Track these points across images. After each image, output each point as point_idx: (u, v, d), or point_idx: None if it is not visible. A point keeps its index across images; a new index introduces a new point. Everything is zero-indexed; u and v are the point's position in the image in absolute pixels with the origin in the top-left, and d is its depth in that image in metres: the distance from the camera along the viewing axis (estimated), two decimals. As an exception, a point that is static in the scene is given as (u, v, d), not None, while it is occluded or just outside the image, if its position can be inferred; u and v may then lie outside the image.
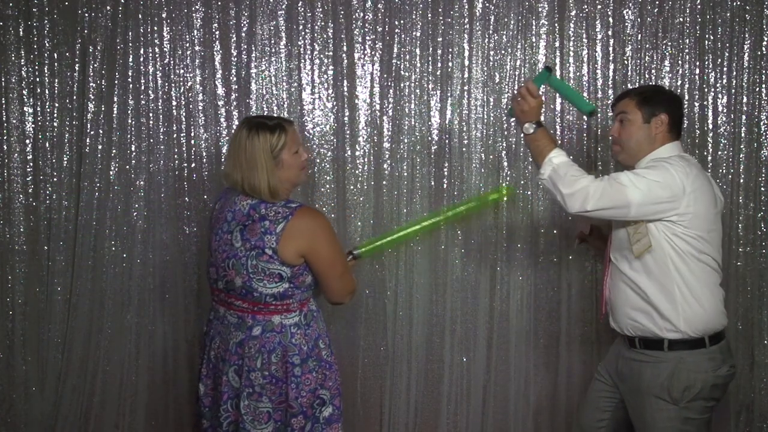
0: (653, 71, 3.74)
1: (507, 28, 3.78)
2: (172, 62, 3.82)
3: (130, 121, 3.82)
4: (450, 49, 3.80)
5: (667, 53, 3.74)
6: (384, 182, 3.82)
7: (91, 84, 3.80)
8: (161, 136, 3.83)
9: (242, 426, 2.73)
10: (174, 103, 3.83)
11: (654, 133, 2.89)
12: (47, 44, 3.79)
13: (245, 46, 3.81)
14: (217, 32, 3.81)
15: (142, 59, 3.80)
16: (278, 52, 3.82)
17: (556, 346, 3.85)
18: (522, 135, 2.95)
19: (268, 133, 2.68)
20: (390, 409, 3.88)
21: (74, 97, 3.82)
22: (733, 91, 3.71)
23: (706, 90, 3.73)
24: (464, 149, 3.81)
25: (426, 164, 3.83)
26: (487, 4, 3.78)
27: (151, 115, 3.82)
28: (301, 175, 2.82)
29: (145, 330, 3.87)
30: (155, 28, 3.80)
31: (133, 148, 3.83)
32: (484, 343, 3.87)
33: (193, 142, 3.83)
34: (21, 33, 3.77)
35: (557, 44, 3.77)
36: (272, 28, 3.81)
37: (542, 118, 3.66)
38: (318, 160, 3.82)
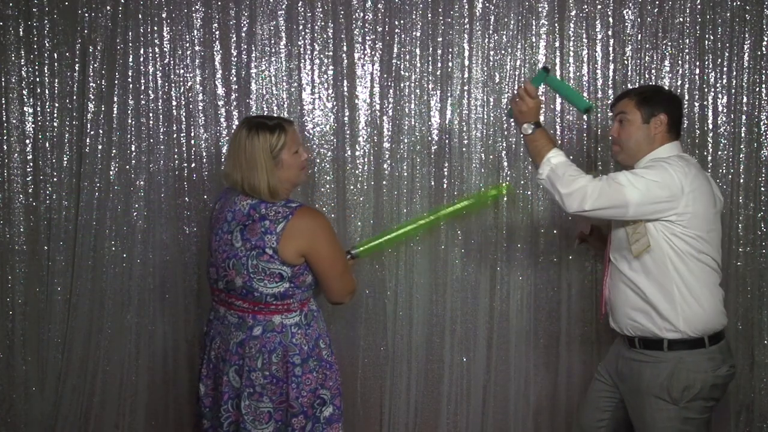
0: (653, 71, 3.74)
1: (507, 28, 3.78)
2: (172, 62, 3.82)
3: (130, 121, 3.82)
4: (450, 49, 3.80)
5: (667, 53, 3.74)
6: (384, 182, 3.83)
7: (91, 84, 3.80)
8: (161, 136, 3.83)
9: (243, 426, 2.73)
10: (174, 103, 3.83)
11: (653, 133, 2.89)
12: (47, 44, 3.79)
13: (245, 46, 3.81)
14: (217, 32, 3.81)
15: (142, 59, 3.80)
16: (278, 52, 3.82)
17: (556, 346, 3.85)
18: (521, 135, 2.96)
19: (267, 133, 2.68)
20: (390, 409, 3.88)
21: (74, 97, 3.82)
22: (733, 91, 3.71)
23: (706, 90, 3.73)
24: (464, 149, 3.82)
25: (426, 164, 3.83)
26: (487, 4, 3.78)
27: (151, 115, 3.82)
28: (301, 175, 2.82)
29: (145, 330, 3.87)
30: (155, 28, 3.80)
31: (133, 148, 3.83)
32: (484, 343, 3.87)
33: (193, 142, 3.83)
34: (21, 33, 3.77)
35: (557, 44, 3.77)
36: (272, 28, 3.81)
37: (542, 119, 3.72)
38: (318, 160, 3.82)
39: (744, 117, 3.71)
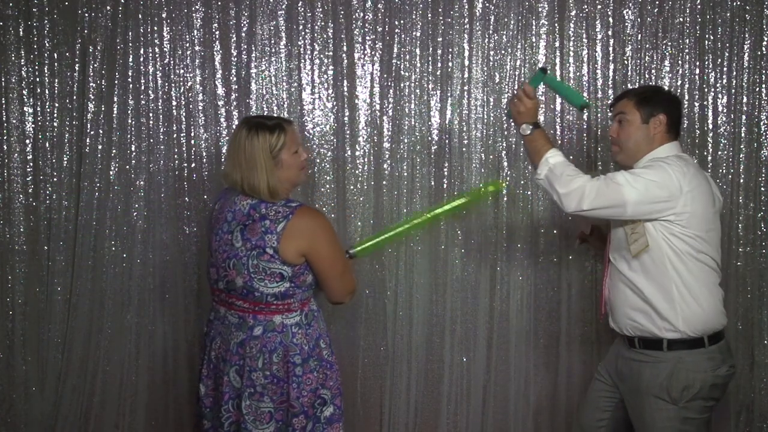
0: (653, 71, 3.74)
1: (507, 28, 3.78)
2: (172, 62, 3.82)
3: (130, 121, 3.82)
4: (450, 49, 3.80)
5: (667, 53, 3.74)
6: (384, 182, 3.83)
7: (91, 84, 3.80)
8: (161, 136, 3.83)
9: (244, 426, 2.73)
10: (174, 103, 3.83)
11: (652, 134, 2.89)
12: (47, 44, 3.79)
13: (245, 46, 3.81)
14: (217, 32, 3.81)
15: (142, 59, 3.80)
16: (278, 52, 3.82)
17: (556, 346, 3.85)
18: (520, 136, 2.96)
19: (267, 133, 2.68)
20: (390, 409, 3.88)
21: (74, 97, 3.82)
22: (733, 91, 3.71)
23: (706, 90, 3.73)
24: (464, 149, 3.82)
25: (426, 164, 3.83)
26: (487, 4, 3.78)
27: (151, 115, 3.82)
28: (300, 174, 2.82)
29: (145, 330, 3.87)
30: (155, 28, 3.80)
31: (133, 148, 3.83)
32: (484, 343, 3.87)
33: (193, 142, 3.83)
34: (21, 33, 3.77)
35: (557, 44, 3.77)
36: (272, 28, 3.81)
37: (542, 119, 3.72)
38: (318, 160, 3.82)
39: (744, 117, 3.71)
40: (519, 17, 3.77)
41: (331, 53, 3.81)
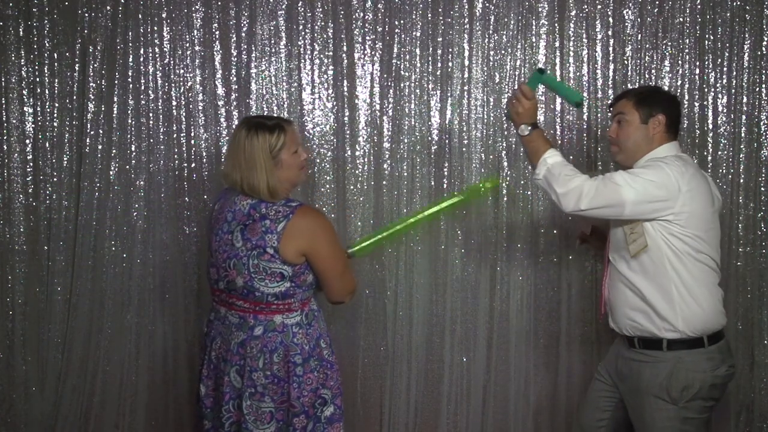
0: (653, 71, 3.75)
1: (507, 28, 3.78)
2: (172, 62, 3.82)
3: (130, 121, 3.82)
4: (450, 49, 3.80)
5: (667, 53, 3.74)
6: (384, 182, 3.83)
7: (91, 84, 3.80)
8: (161, 136, 3.83)
9: (245, 426, 2.73)
10: (174, 103, 3.83)
11: (651, 134, 2.89)
12: (47, 44, 3.79)
13: (245, 46, 3.81)
14: (217, 32, 3.81)
15: (142, 59, 3.80)
16: (278, 52, 3.82)
17: (556, 346, 3.85)
18: (519, 137, 2.97)
19: (267, 133, 2.68)
20: (390, 409, 3.88)
21: (74, 97, 3.82)
22: (733, 91, 3.71)
23: (706, 90, 3.73)
24: (464, 149, 3.82)
25: (426, 164, 3.83)
26: (487, 4, 3.78)
27: (151, 115, 3.82)
28: (300, 174, 2.82)
29: (145, 330, 3.87)
30: (155, 28, 3.80)
31: (133, 148, 3.83)
32: (484, 343, 3.87)
33: (193, 142, 3.83)
34: (21, 33, 3.78)
35: (557, 44, 3.77)
36: (272, 28, 3.81)
37: (542, 119, 3.73)
38: (318, 160, 3.82)
39: (744, 117, 3.71)
40: (519, 17, 3.77)
41: (331, 53, 3.81)
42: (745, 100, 3.71)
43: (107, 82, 3.80)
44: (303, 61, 3.82)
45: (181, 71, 3.82)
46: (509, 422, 3.87)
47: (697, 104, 3.73)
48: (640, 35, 3.74)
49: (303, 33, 3.81)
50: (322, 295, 2.88)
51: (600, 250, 3.30)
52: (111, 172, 3.82)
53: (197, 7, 3.79)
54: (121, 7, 3.77)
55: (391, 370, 3.87)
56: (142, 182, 3.83)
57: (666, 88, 3.67)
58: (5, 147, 3.80)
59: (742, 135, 3.72)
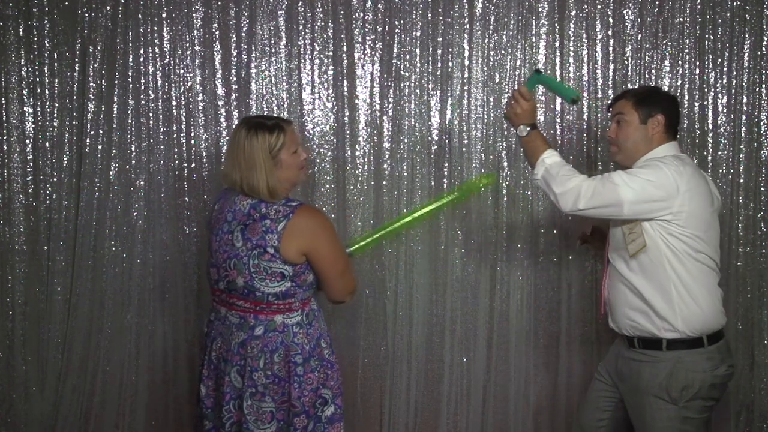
0: (653, 71, 3.75)
1: (507, 28, 3.79)
2: (172, 62, 3.82)
3: (130, 121, 3.82)
4: (450, 49, 3.80)
5: (667, 53, 3.74)
6: (384, 182, 3.83)
7: (91, 84, 3.80)
8: (161, 136, 3.83)
9: (245, 426, 2.73)
10: (174, 103, 3.83)
11: (651, 134, 2.90)
12: (47, 44, 3.79)
13: (245, 46, 3.81)
14: (217, 32, 3.81)
15: (142, 59, 3.80)
16: (278, 52, 3.82)
17: (556, 346, 3.85)
18: (517, 137, 2.98)
19: (266, 133, 2.68)
20: (390, 409, 3.88)
21: (74, 97, 3.82)
22: (733, 91, 3.72)
23: (706, 90, 3.73)
24: (464, 149, 3.82)
25: (426, 164, 3.83)
26: (487, 4, 3.78)
27: (151, 115, 3.82)
28: (300, 174, 2.82)
29: (145, 330, 3.87)
30: (155, 28, 3.80)
31: (133, 148, 3.83)
32: (484, 343, 3.87)
33: (193, 142, 3.83)
34: (21, 33, 3.78)
35: (557, 44, 3.77)
36: (272, 28, 3.81)
37: (542, 119, 3.73)
38: (318, 160, 3.82)
39: (744, 117, 3.72)
40: (519, 17, 3.78)
41: (331, 53, 3.81)
42: (745, 100, 3.71)
43: (107, 82, 3.80)
44: (303, 61, 3.82)
45: (181, 71, 3.82)
46: (509, 422, 3.87)
47: (697, 104, 3.73)
48: (640, 35, 3.74)
49: (303, 33, 3.81)
50: (322, 294, 2.88)
51: (600, 251, 3.30)
52: (111, 172, 3.82)
53: (197, 7, 3.79)
54: (121, 7, 3.77)
55: (391, 370, 3.87)
56: (142, 182, 3.83)
57: (666, 88, 3.67)
58: (5, 147, 3.80)
59: (742, 135, 3.72)
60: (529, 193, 3.80)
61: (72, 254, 3.85)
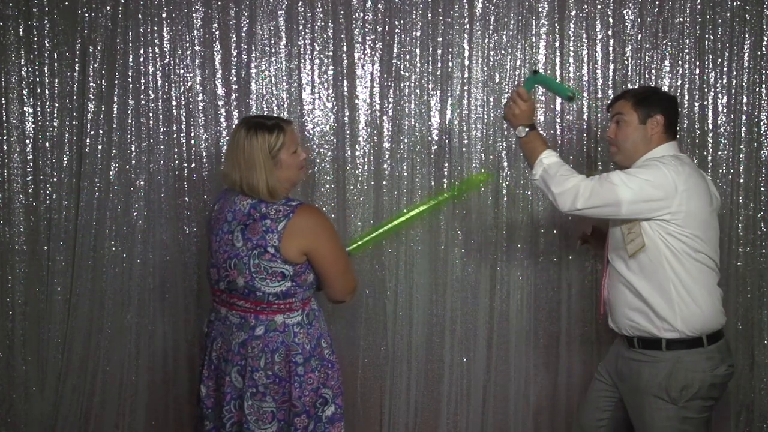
0: (653, 71, 3.75)
1: (507, 28, 3.79)
2: (172, 62, 3.82)
3: (130, 121, 3.82)
4: (450, 49, 3.80)
5: (667, 53, 3.74)
6: (384, 182, 3.83)
7: (91, 84, 3.80)
8: (161, 136, 3.83)
9: (246, 426, 2.72)
10: (174, 103, 3.83)
11: (650, 134, 2.90)
12: (47, 44, 3.79)
13: (245, 46, 3.81)
14: (217, 32, 3.81)
15: (142, 59, 3.80)
16: (278, 52, 3.82)
17: (556, 346, 3.85)
18: (516, 138, 2.99)
19: (266, 133, 2.68)
20: (390, 409, 3.88)
21: (74, 97, 3.82)
22: (733, 91, 3.72)
23: (706, 90, 3.73)
24: (464, 149, 3.82)
25: (426, 164, 3.83)
26: (487, 4, 3.78)
27: (151, 115, 3.82)
28: (300, 174, 2.82)
29: (145, 330, 3.87)
30: (155, 28, 3.80)
31: (133, 148, 3.83)
32: (484, 343, 3.87)
33: (193, 142, 3.83)
34: (21, 33, 3.78)
35: (557, 44, 3.78)
36: (272, 28, 3.81)
37: (542, 119, 3.73)
38: (318, 160, 3.82)
39: (744, 117, 3.72)
40: (519, 17, 3.78)
41: (331, 53, 3.81)
42: (745, 100, 3.71)
43: (107, 82, 3.80)
44: (303, 61, 3.82)
45: (181, 71, 3.82)
46: (509, 422, 3.87)
47: (697, 104, 3.73)
48: (640, 35, 3.74)
49: (303, 33, 3.81)
50: (322, 294, 2.88)
51: (600, 251, 3.30)
52: (111, 172, 3.82)
53: (197, 7, 3.79)
54: (121, 7, 3.77)
55: (391, 370, 3.87)
56: (142, 182, 3.83)
57: (666, 88, 3.68)
58: (5, 147, 3.80)
59: (742, 135, 3.72)
60: (529, 193, 3.80)
61: (72, 254, 3.85)
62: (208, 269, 2.85)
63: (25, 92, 3.81)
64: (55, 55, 3.80)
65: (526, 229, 3.82)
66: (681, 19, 3.72)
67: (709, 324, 2.81)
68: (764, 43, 3.69)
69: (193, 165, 3.83)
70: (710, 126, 3.73)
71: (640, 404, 2.84)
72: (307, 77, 3.83)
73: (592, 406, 3.10)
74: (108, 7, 3.77)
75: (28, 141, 3.83)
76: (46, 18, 3.77)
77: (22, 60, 3.79)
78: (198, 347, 3.70)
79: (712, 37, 3.71)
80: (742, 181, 3.72)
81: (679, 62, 3.74)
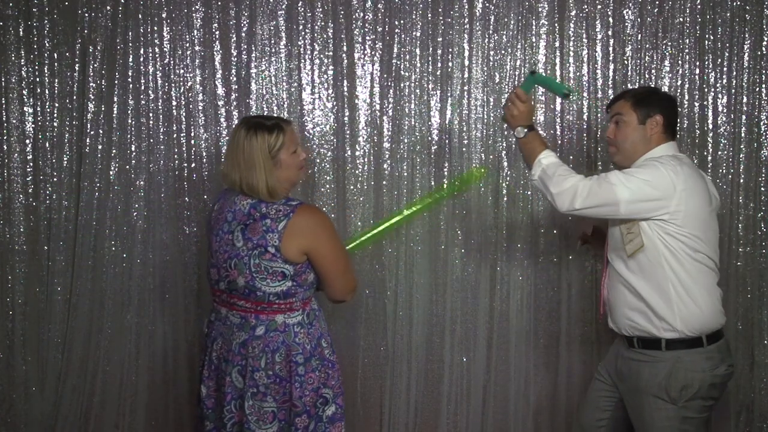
0: (653, 71, 3.75)
1: (507, 28, 3.79)
2: (172, 62, 3.82)
3: (130, 121, 3.82)
4: (450, 49, 3.80)
5: (667, 53, 3.74)
6: (384, 182, 3.83)
7: (91, 84, 3.80)
8: (161, 136, 3.83)
9: (247, 426, 2.72)
10: (174, 103, 3.83)
11: (649, 134, 2.90)
12: (47, 44, 3.79)
13: (245, 46, 3.81)
14: (217, 32, 3.81)
15: (142, 59, 3.80)
16: (278, 52, 3.82)
17: (556, 346, 3.85)
18: (515, 139, 2.99)
19: (266, 133, 2.68)
20: (390, 409, 3.88)
21: (74, 97, 3.82)
22: (733, 91, 3.72)
23: (706, 90, 3.73)
24: (464, 149, 3.82)
25: (426, 164, 3.83)
26: (487, 4, 3.78)
27: (151, 115, 3.82)
28: (299, 174, 2.82)
29: (145, 330, 3.87)
30: (155, 28, 3.80)
31: (133, 148, 3.83)
32: (484, 343, 3.87)
33: (193, 142, 3.83)
34: (21, 33, 3.78)
35: (557, 44, 3.78)
36: (272, 28, 3.81)
37: (542, 119, 3.73)
38: (318, 160, 3.82)
39: (744, 117, 3.72)
40: (519, 17, 3.78)
41: (331, 53, 3.81)
42: (745, 100, 3.71)
43: (107, 82, 3.80)
44: (303, 61, 3.82)
45: (181, 71, 3.82)
46: (509, 422, 3.87)
47: (697, 104, 3.73)
48: (640, 35, 3.74)
49: (303, 33, 3.81)
50: (322, 294, 2.88)
51: (601, 251, 3.30)
52: (111, 172, 3.82)
53: (197, 7, 3.79)
54: (121, 7, 3.77)
55: (391, 370, 3.87)
56: (142, 182, 3.83)
57: (666, 88, 3.68)
58: (5, 147, 3.80)
59: (742, 135, 3.72)
60: (529, 193, 3.80)
61: (72, 254, 3.85)
62: (208, 269, 2.84)
63: (25, 92, 3.81)
64: (55, 55, 3.80)
65: (526, 229, 3.82)
66: (681, 19, 3.72)
67: (709, 324, 2.81)
68: (764, 43, 3.69)
69: (193, 165, 3.83)
70: (710, 126, 3.73)
71: (639, 404, 2.84)
72: (307, 77, 3.83)
73: (592, 406, 3.10)
74: (108, 7, 3.77)
75: (28, 141, 3.83)
76: (46, 18, 3.77)
77: (22, 60, 3.79)
78: (198, 347, 3.70)
79: (712, 37, 3.71)
80: (742, 181, 3.72)
81: (679, 62, 3.74)
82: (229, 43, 3.81)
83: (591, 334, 3.81)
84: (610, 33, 3.75)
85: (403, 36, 3.80)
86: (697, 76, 3.73)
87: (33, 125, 3.83)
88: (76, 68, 3.81)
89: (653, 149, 2.89)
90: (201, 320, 3.74)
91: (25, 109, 3.82)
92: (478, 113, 3.81)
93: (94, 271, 3.85)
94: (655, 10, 3.72)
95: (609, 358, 3.07)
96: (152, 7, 3.78)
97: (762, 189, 3.72)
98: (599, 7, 3.74)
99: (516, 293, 3.84)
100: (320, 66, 3.83)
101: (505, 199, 3.81)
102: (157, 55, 3.81)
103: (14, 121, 3.81)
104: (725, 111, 3.73)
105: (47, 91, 3.81)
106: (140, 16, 3.78)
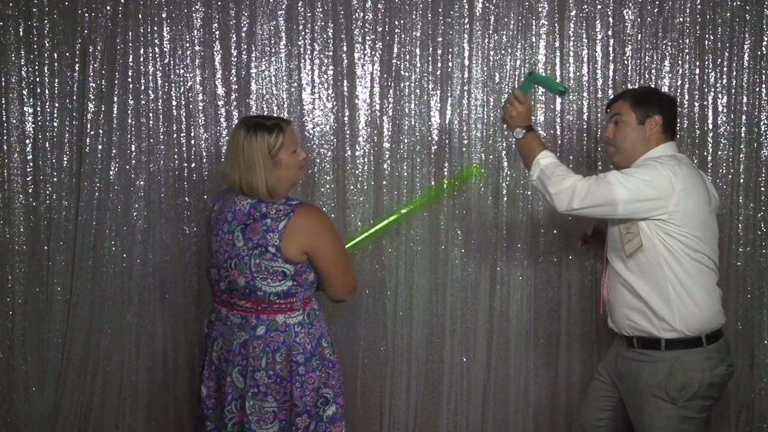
0: (653, 71, 3.75)
1: (507, 28, 3.79)
2: (172, 62, 3.82)
3: (130, 121, 3.82)
4: (450, 49, 3.80)
5: (667, 53, 3.74)
6: (384, 182, 3.83)
7: (91, 84, 3.80)
8: (161, 136, 3.83)
9: (247, 426, 2.72)
10: (174, 103, 3.83)
11: (648, 135, 2.90)
12: (47, 44, 3.79)
13: (245, 46, 3.81)
14: (217, 32, 3.81)
15: (142, 59, 3.80)
16: (278, 52, 3.82)
17: (556, 346, 3.85)
18: (514, 139, 2.99)
19: (265, 133, 2.68)
20: (390, 409, 3.88)
21: (74, 97, 3.82)
22: (733, 91, 3.72)
23: (706, 90, 3.73)
24: (464, 149, 3.82)
25: (426, 164, 3.83)
26: (487, 4, 3.78)
27: (151, 115, 3.82)
28: (299, 174, 2.82)
29: (145, 330, 3.87)
30: (155, 28, 3.80)
31: (133, 148, 3.83)
32: (484, 343, 3.87)
33: (193, 142, 3.83)
34: (21, 33, 3.78)
35: (557, 44, 3.78)
36: (272, 28, 3.81)
37: (542, 119, 3.73)
38: (318, 160, 3.82)
39: (744, 117, 3.72)
40: (519, 17, 3.78)
41: (331, 53, 3.81)
42: (745, 100, 3.71)
43: (107, 82, 3.80)
44: (303, 61, 3.82)
45: (181, 71, 3.82)
46: (509, 422, 3.87)
47: (697, 104, 3.73)
48: (640, 35, 3.74)
49: (303, 33, 3.81)
50: (322, 294, 2.88)
51: (601, 251, 3.30)
52: (111, 172, 3.82)
53: (197, 7, 3.79)
54: (121, 7, 3.77)
55: (391, 370, 3.87)
56: (142, 182, 3.83)
57: (666, 88, 3.68)
58: (5, 147, 3.80)
59: (742, 135, 3.72)
60: (529, 193, 3.80)
61: (72, 254, 3.85)
62: (208, 269, 2.84)
63: (25, 92, 3.81)
64: (55, 55, 3.80)
65: (526, 229, 3.82)
66: (681, 19, 3.72)
67: (708, 324, 2.81)
68: (764, 43, 3.69)
69: (193, 165, 3.83)
70: (710, 126, 3.73)
71: (639, 404, 2.85)
72: (307, 77, 3.83)
73: (592, 406, 3.10)
74: (108, 7, 3.77)
75: (28, 141, 3.83)
76: (46, 18, 3.77)
77: (22, 60, 3.79)
78: (198, 347, 3.70)
79: (712, 37, 3.71)
80: (742, 181, 3.72)
81: (679, 62, 3.74)
82: (229, 43, 3.81)
83: (591, 334, 3.81)
84: (610, 33, 3.75)
85: (403, 36, 3.80)
86: (697, 76, 3.73)
87: (33, 125, 3.83)
88: (76, 68, 3.81)
89: (652, 149, 2.89)
90: (201, 320, 3.73)
91: (25, 109, 3.82)
92: (478, 113, 3.81)
93: (94, 271, 3.85)
94: (655, 10, 3.72)
95: (609, 358, 3.07)
96: (152, 7, 3.78)
97: (762, 189, 3.72)
98: (599, 7, 3.74)
99: (516, 293, 3.84)
100: (320, 66, 3.83)
101: (505, 199, 3.81)
102: (157, 55, 3.81)
103: (14, 121, 3.81)
104: (725, 111, 3.73)
105: (47, 91, 3.81)
106: (140, 16, 3.78)
